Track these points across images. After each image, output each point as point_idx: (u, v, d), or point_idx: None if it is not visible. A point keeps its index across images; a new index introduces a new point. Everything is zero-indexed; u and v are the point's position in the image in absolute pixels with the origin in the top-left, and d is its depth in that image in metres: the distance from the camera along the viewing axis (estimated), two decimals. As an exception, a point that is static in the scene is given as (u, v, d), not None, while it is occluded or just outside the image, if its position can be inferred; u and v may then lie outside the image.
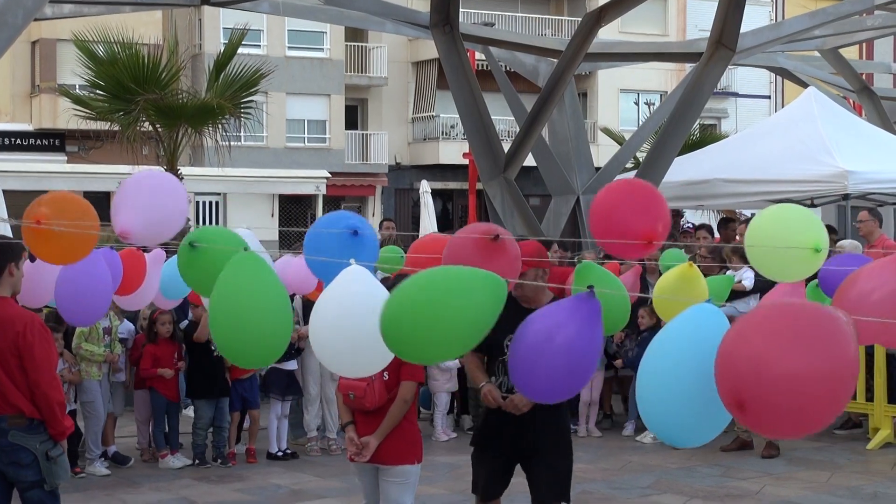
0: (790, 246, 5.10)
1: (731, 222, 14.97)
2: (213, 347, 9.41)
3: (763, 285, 9.07)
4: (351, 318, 4.16)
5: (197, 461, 9.83)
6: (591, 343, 3.94)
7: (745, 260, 9.82)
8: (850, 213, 15.60)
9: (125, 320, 9.71)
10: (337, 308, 4.23)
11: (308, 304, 8.98)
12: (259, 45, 34.22)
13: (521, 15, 38.83)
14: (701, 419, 3.56)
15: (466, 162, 25.30)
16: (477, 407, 10.89)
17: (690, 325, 3.56)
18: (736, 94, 40.83)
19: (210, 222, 33.03)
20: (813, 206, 16.11)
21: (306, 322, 7.61)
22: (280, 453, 10.17)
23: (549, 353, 3.89)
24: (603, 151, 30.23)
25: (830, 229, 13.98)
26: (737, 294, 9.49)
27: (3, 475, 5.50)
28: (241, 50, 19.44)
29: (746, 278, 9.62)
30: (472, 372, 6.01)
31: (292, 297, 7.26)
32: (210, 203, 34.17)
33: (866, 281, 3.95)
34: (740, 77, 40.06)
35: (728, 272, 9.63)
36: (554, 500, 5.82)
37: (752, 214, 15.94)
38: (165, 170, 18.16)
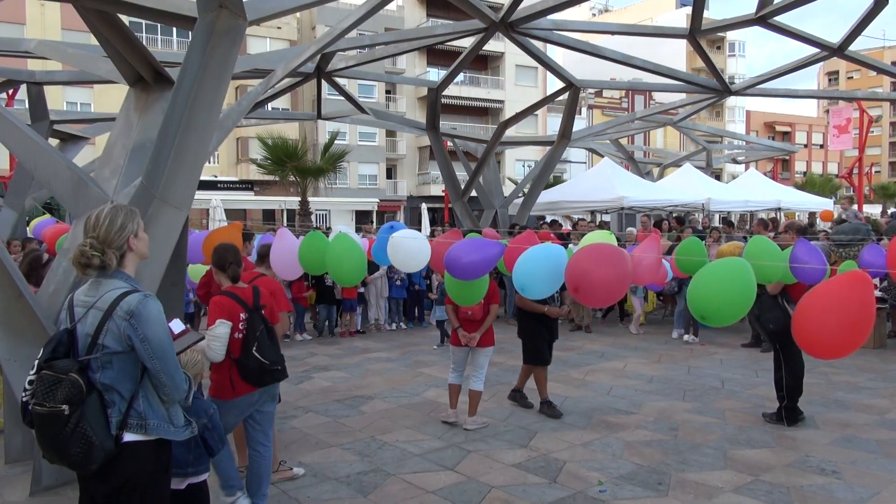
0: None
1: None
2: (326, 281, 12.90)
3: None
4: (404, 245, 6.99)
5: (318, 335, 12.69)
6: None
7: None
8: (625, 218, 20.93)
9: None
10: (401, 241, 7.15)
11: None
12: (344, 140, 47.21)
13: (468, 124, 54.30)
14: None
15: (443, 194, 36.02)
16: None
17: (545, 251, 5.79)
18: (570, 161, 56.05)
19: (322, 225, 40.51)
20: (606, 213, 23.04)
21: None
22: (356, 330, 13.29)
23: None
24: (508, 187, 46.24)
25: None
26: None
27: None
28: (336, 141, 26.11)
29: None
30: (533, 305, 8.11)
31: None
32: (322, 214, 46.07)
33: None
34: (572, 152, 55.96)
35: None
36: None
37: (580, 218, 19.81)
38: (300, 201, 24.78)
